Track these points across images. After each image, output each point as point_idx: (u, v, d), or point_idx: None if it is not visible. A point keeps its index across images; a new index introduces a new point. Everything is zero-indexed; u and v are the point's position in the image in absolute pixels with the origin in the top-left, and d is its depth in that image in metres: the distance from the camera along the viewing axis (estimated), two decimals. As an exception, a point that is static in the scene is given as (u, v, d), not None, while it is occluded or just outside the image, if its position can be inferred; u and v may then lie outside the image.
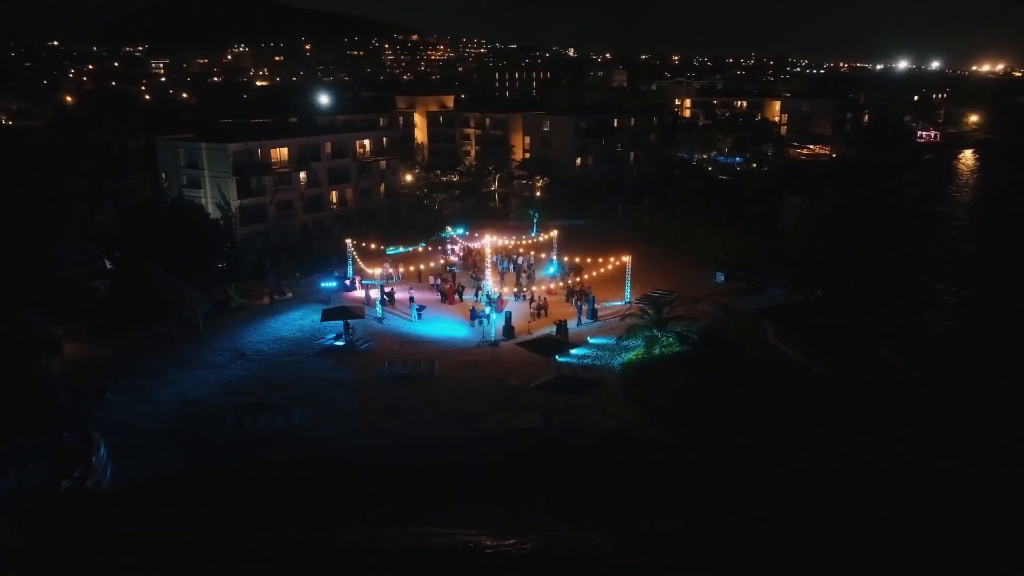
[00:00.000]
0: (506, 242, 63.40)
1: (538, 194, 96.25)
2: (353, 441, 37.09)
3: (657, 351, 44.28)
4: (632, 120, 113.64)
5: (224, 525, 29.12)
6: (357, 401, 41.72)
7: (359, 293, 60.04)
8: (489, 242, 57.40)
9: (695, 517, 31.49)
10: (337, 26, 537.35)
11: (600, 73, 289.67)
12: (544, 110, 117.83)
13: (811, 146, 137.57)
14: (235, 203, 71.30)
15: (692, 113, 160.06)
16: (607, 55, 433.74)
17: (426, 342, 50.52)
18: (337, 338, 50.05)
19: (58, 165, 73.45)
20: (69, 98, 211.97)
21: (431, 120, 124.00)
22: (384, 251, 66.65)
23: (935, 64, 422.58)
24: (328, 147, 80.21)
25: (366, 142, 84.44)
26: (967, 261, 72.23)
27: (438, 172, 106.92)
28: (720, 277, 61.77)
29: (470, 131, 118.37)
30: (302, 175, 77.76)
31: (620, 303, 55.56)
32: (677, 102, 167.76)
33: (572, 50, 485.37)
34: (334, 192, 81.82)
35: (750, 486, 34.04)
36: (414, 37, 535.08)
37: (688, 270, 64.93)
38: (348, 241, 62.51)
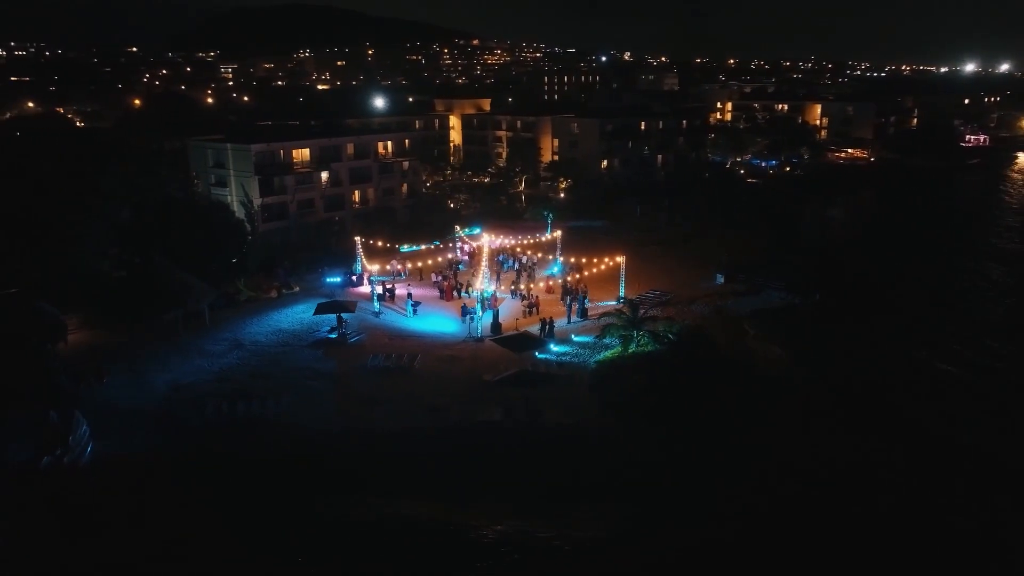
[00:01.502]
0: (505, 242, 64.53)
1: (561, 195, 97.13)
2: (320, 428, 38.62)
3: (633, 349, 44.81)
4: (660, 123, 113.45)
5: (188, 498, 31.23)
6: (334, 391, 43.27)
7: (365, 289, 61.83)
8: (487, 242, 58.60)
9: (641, 513, 32.25)
10: (402, 31, 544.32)
11: (651, 76, 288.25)
12: (574, 113, 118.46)
13: (849, 150, 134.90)
14: (257, 201, 74.24)
15: (733, 116, 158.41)
16: (663, 58, 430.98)
17: (415, 336, 51.90)
18: (331, 331, 51.86)
19: (96, 164, 77.56)
20: (138, 101, 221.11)
21: (465, 123, 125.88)
22: (398, 249, 68.42)
23: (1004, 67, 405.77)
24: (350, 148, 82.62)
25: (388, 143, 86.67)
26: (981, 273, 69.31)
27: (470, 173, 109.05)
28: (720, 279, 61.69)
29: (501, 133, 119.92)
30: (323, 175, 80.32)
31: (612, 302, 56.02)
32: (719, 105, 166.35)
33: (628, 54, 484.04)
34: (356, 192, 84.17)
35: (702, 483, 34.53)
36: (475, 41, 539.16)
37: (691, 271, 64.98)
38: (357, 238, 64.55)
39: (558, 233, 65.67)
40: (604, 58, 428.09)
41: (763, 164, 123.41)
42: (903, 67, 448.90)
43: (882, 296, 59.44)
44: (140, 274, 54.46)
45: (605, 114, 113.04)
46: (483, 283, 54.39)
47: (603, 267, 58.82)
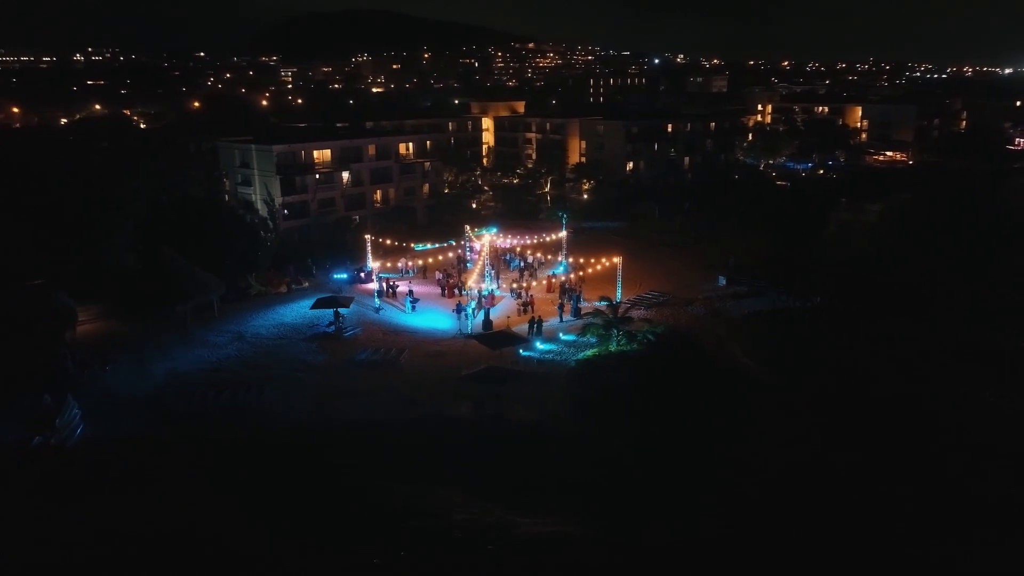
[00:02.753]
0: (512, 241, 65.46)
1: (584, 196, 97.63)
2: (297, 417, 40.03)
3: (613, 348, 45.26)
4: (688, 125, 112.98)
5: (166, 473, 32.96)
6: (318, 383, 44.73)
7: (373, 285, 63.35)
8: (487, 241, 59.60)
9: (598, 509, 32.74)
10: (459, 35, 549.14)
11: (699, 79, 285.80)
12: (603, 115, 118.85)
13: (887, 152, 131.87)
14: (279, 200, 76.66)
15: (773, 119, 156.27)
16: (715, 61, 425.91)
17: (409, 332, 53.07)
18: (329, 325, 53.48)
19: (128, 165, 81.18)
20: (197, 103, 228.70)
21: (498, 124, 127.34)
22: (413, 247, 69.83)
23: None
24: (371, 149, 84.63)
25: (410, 145, 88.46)
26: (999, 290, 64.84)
27: (499, 174, 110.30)
28: (722, 281, 61.51)
29: (531, 135, 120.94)
30: (345, 175, 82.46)
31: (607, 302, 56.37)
32: (759, 107, 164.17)
33: (681, 56, 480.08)
34: (378, 191, 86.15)
35: (668, 482, 34.82)
36: (530, 45, 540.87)
37: (695, 273, 64.99)
38: (367, 236, 66.39)
39: (563, 233, 66.26)
40: (657, 60, 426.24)
41: (798, 167, 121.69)
42: (965, 68, 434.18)
43: (888, 304, 57.83)
44: (154, 268, 57.05)
45: (634, 116, 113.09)
46: (478, 281, 55.41)
47: (607, 267, 59.08)
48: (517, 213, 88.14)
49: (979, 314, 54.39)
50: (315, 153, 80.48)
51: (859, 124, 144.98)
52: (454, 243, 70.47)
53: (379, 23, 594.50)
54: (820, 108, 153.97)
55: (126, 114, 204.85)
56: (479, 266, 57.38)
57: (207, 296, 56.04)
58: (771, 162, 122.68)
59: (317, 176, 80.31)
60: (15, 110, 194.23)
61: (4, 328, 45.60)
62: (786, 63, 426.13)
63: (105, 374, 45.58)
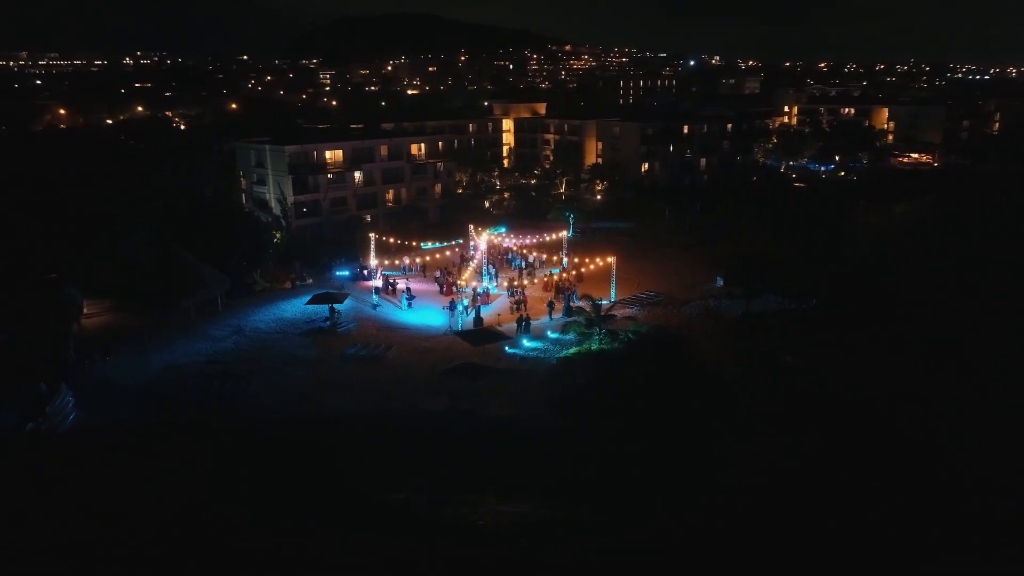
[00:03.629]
0: (514, 241, 66.18)
1: (598, 197, 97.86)
2: (281, 411, 41.07)
3: (596, 346, 45.62)
4: (705, 127, 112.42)
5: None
6: (306, 376, 45.81)
7: (377, 282, 64.39)
8: (485, 240, 60.32)
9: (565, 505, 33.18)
10: (497, 38, 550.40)
11: (731, 80, 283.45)
12: (619, 116, 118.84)
13: (912, 154, 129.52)
14: (291, 199, 78.26)
15: (799, 120, 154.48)
16: (751, 62, 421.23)
17: (402, 328, 53.95)
18: (325, 321, 54.68)
19: (149, 163, 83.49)
20: (234, 105, 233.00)
21: (518, 126, 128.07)
22: (421, 246, 70.79)
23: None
24: (383, 150, 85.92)
25: (422, 145, 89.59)
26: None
27: (516, 174, 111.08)
28: (720, 281, 61.38)
29: (549, 136, 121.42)
30: (357, 175, 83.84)
31: (605, 302, 56.63)
32: (786, 108, 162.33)
33: (717, 58, 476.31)
34: (390, 191, 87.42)
35: (637, 480, 35.09)
36: (566, 47, 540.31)
37: (695, 273, 64.99)
38: (371, 235, 67.60)
39: (563, 233, 66.74)
40: (692, 62, 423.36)
41: (821, 168, 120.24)
42: (1009, 69, 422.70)
43: (886, 309, 56.99)
44: (162, 265, 58.84)
45: (653, 117, 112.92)
46: (470, 279, 56.13)
47: (604, 266, 59.38)
48: (530, 213, 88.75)
49: (977, 317, 53.52)
50: (327, 153, 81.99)
51: (886, 125, 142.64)
52: (460, 242, 71.41)
53: (419, 27, 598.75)
54: (846, 109, 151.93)
55: (167, 115, 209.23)
56: (475, 264, 58.02)
57: (212, 292, 57.57)
58: (792, 163, 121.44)
59: (329, 176, 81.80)
60: (62, 112, 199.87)
61: (10, 319, 47.71)
62: (823, 64, 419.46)
63: (105, 365, 47.02)
